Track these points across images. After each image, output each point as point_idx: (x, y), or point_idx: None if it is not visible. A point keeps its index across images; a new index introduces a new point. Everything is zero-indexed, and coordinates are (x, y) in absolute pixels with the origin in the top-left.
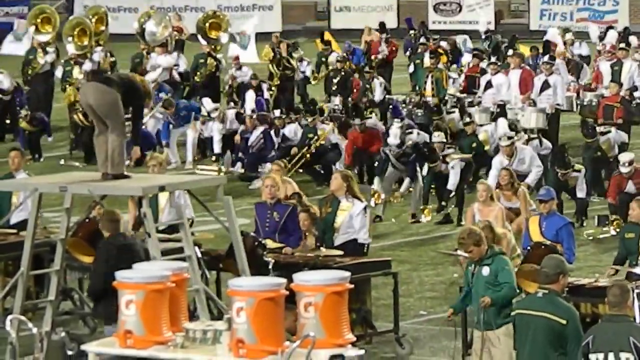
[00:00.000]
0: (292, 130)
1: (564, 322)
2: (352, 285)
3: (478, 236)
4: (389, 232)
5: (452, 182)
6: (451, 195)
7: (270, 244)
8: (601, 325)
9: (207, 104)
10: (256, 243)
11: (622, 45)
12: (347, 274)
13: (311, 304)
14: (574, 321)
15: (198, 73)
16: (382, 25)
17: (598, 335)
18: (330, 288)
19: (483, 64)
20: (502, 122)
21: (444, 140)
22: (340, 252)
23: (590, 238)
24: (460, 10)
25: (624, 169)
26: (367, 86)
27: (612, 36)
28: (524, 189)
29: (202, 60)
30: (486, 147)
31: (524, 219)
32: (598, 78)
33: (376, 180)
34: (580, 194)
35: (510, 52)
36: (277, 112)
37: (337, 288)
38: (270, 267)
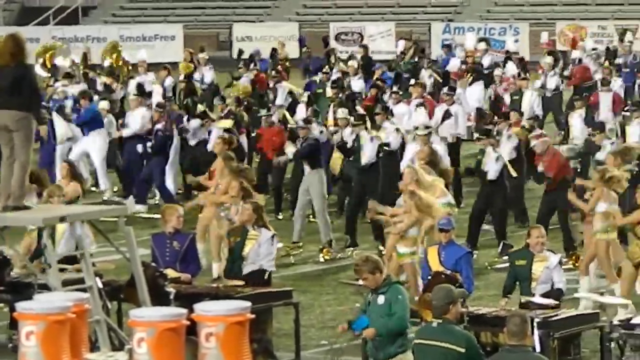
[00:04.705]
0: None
1: (462, 349)
2: (253, 315)
3: (374, 264)
4: (290, 261)
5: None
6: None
7: (171, 273)
8: (500, 354)
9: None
10: (157, 273)
11: (522, 74)
12: (248, 304)
13: (212, 334)
14: (473, 347)
15: None
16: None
17: None
18: (231, 318)
19: (386, 95)
20: (421, 113)
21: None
22: (242, 282)
23: (490, 267)
24: (362, 40)
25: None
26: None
27: (511, 66)
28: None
29: None
30: None
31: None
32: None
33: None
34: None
35: (412, 81)
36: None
37: (238, 318)
38: (171, 297)
